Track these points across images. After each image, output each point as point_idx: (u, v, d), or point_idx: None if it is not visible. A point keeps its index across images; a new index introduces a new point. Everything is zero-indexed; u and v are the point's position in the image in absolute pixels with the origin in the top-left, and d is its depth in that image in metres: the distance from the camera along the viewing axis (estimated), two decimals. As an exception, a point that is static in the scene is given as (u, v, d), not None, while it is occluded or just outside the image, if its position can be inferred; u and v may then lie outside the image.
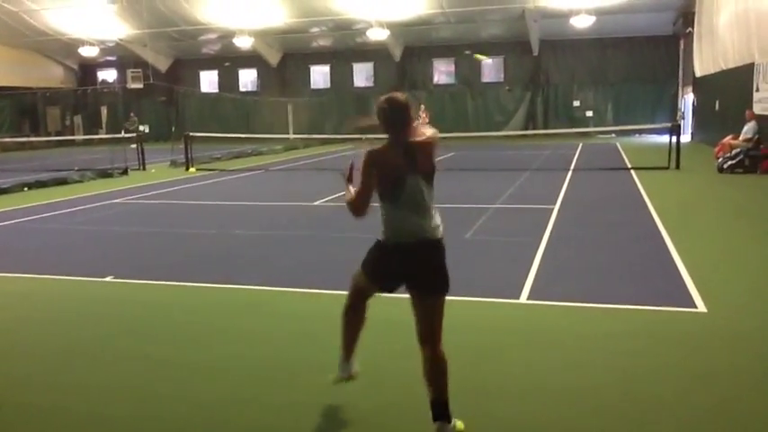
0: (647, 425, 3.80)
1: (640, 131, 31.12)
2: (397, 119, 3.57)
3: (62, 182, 17.04)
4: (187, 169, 19.80)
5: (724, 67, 21.52)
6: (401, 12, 30.09)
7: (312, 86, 38.58)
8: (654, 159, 17.82)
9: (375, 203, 3.77)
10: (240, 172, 17.96)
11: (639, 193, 12.79)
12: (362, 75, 38.12)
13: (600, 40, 32.86)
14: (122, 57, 38.18)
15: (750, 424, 3.80)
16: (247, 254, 8.52)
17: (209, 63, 39.82)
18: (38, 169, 20.43)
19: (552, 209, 11.10)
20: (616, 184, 14.31)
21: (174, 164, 21.23)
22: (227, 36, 34.10)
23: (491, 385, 4.38)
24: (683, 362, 4.67)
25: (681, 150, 16.72)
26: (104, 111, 38.06)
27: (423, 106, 32.18)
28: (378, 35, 32.12)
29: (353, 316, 3.99)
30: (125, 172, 19.04)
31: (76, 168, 20.03)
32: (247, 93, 38.29)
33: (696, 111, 27.54)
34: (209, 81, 40.48)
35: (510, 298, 6.19)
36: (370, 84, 37.86)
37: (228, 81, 39.64)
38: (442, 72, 37.03)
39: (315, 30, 34.29)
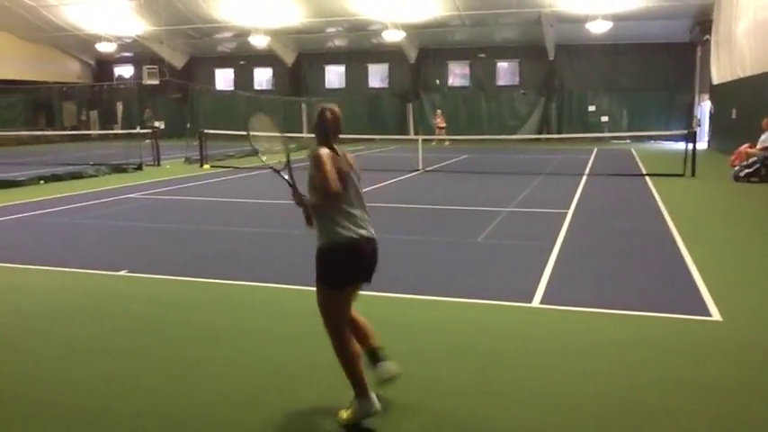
0: (660, 432, 3.78)
1: (656, 138, 30.95)
2: (335, 128, 4.11)
3: (77, 176, 17.16)
4: (201, 166, 19.89)
5: (741, 75, 21.37)
6: (417, 14, 30.08)
7: (327, 86, 38.63)
8: (669, 166, 17.72)
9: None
10: (253, 169, 18.02)
11: (654, 199, 12.72)
12: (377, 76, 38.13)
13: (615, 46, 32.70)
14: (139, 53, 38.38)
15: (764, 434, 3.77)
16: (259, 251, 8.55)
17: (224, 61, 39.96)
18: (53, 163, 20.57)
19: (566, 213, 11.06)
20: (630, 190, 14.24)
21: (188, 160, 21.33)
22: (242, 35, 34.21)
23: (500, 389, 4.36)
24: (695, 370, 4.64)
25: (697, 158, 16.62)
26: (120, 106, 38.25)
27: (439, 111, 32.16)
28: (393, 36, 32.13)
29: (350, 351, 3.90)
30: (140, 167, 19.15)
31: (92, 163, 20.16)
32: (262, 91, 38.39)
33: (713, 118, 27.35)
34: (224, 79, 40.62)
35: (522, 302, 6.16)
36: (385, 85, 37.87)
37: (243, 79, 39.76)
38: (457, 74, 36.98)
39: (330, 30, 34.34)
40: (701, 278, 6.94)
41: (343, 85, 38.41)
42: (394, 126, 35.60)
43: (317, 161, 3.91)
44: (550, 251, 8.21)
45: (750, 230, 9.91)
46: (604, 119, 33.40)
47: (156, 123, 28.35)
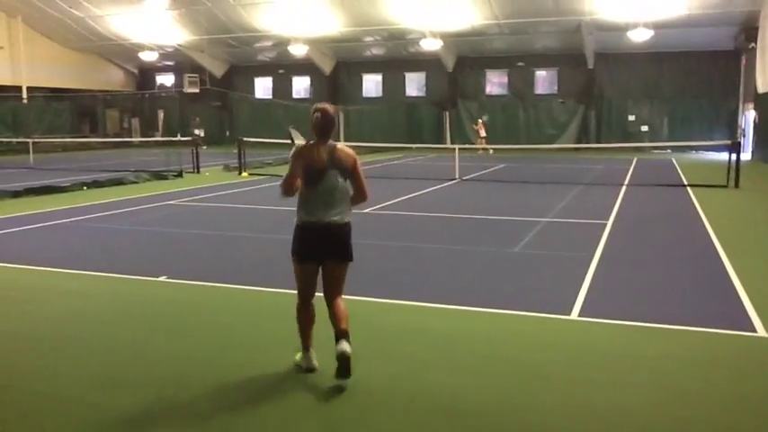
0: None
1: (697, 148, 30.37)
2: (326, 125, 4.56)
3: (119, 182, 17.50)
4: (240, 173, 20.12)
5: (788, 84, 20.87)
6: (455, 22, 30.06)
7: (364, 95, 38.81)
8: (712, 177, 17.37)
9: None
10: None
11: (696, 210, 12.48)
12: (414, 84, 38.18)
13: (657, 54, 32.21)
14: (180, 62, 39.06)
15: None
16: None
17: (263, 70, 40.42)
18: (96, 169, 21.03)
19: (605, 224, 10.91)
20: (672, 200, 13.99)
21: (227, 168, 21.60)
22: (281, 43, 34.58)
23: (537, 401, 4.31)
24: (738, 386, 4.53)
25: (740, 168, 16.26)
26: (161, 114, 38.95)
27: (480, 121, 32.01)
28: (431, 45, 32.15)
29: (304, 313, 4.71)
30: (180, 174, 19.45)
31: (133, 170, 20.55)
32: (300, 100, 38.73)
33: (757, 128, 26.74)
34: (263, 87, 41.08)
35: (561, 314, 6.09)
36: (422, 93, 37.89)
37: (282, 88, 40.16)
38: (495, 83, 36.83)
39: (368, 39, 34.51)
40: (744, 292, 6.77)
41: (381, 94, 38.53)
42: (431, 135, 35.59)
43: (292, 158, 4.57)
44: (589, 262, 8.11)
45: (797, 244, 9.65)
46: (644, 128, 32.89)
47: (197, 131, 28.76)
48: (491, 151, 29.77)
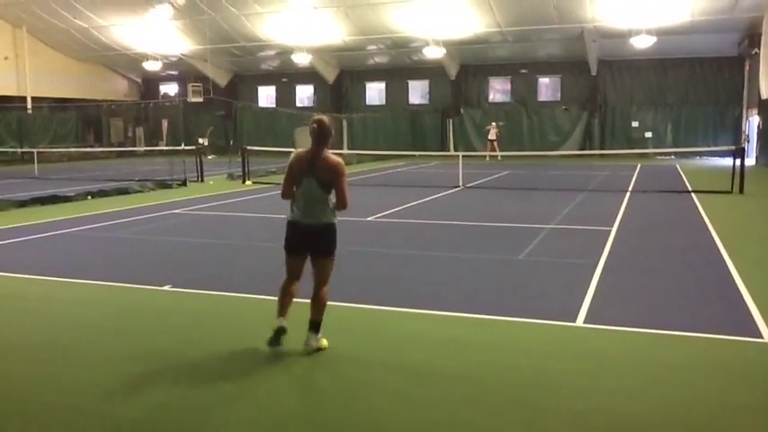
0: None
1: (702, 154, 30.33)
2: (322, 135, 5.13)
3: (123, 191, 17.54)
4: (244, 182, 20.15)
5: (791, 90, 20.83)
6: (458, 30, 30.13)
7: (367, 103, 38.88)
8: (716, 183, 17.34)
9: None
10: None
11: (701, 217, 12.45)
12: (418, 92, 38.25)
13: (660, 61, 32.25)
14: (184, 71, 39.20)
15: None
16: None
17: (267, 79, 40.55)
18: (101, 179, 21.09)
19: (609, 231, 10.89)
20: (676, 207, 13.96)
21: (231, 176, 21.64)
22: (285, 53, 34.69)
23: (544, 409, 4.29)
24: (744, 393, 4.50)
25: (745, 174, 16.23)
26: (165, 123, 39.07)
27: (494, 123, 31.96)
28: (434, 53, 32.21)
29: (285, 289, 5.37)
30: (184, 183, 19.49)
31: (137, 179, 20.61)
32: (304, 108, 38.82)
33: (761, 133, 26.69)
34: (266, 96, 41.20)
35: (566, 321, 6.07)
36: (425, 101, 37.96)
37: (286, 96, 40.27)
38: (498, 90, 36.88)
39: (372, 47, 34.61)
40: (750, 298, 6.75)
41: (384, 102, 38.61)
42: (434, 142, 35.65)
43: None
44: (594, 269, 8.09)
45: (802, 249, 9.61)
46: (648, 134, 32.89)
47: (200, 140, 28.84)
48: (499, 158, 29.78)
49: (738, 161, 16.27)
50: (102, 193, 16.91)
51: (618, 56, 32.35)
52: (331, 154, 5.23)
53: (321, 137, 5.12)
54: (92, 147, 35.26)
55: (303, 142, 5.41)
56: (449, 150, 34.04)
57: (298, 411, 4.33)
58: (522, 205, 14.81)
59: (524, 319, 6.17)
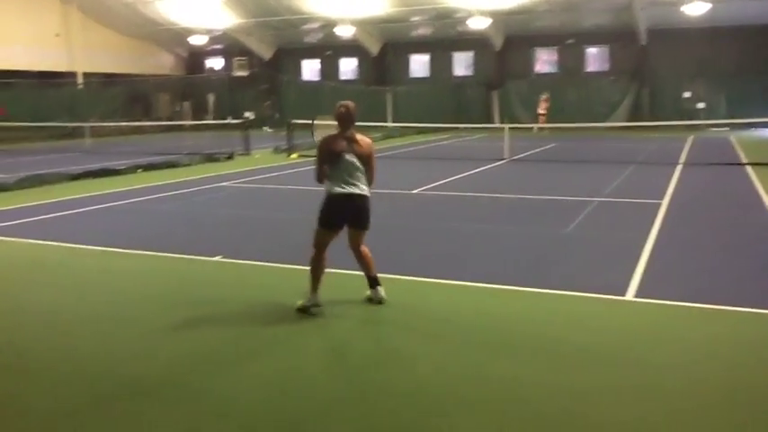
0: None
1: (757, 125, 29.35)
2: (349, 118, 5.65)
3: (172, 165, 17.83)
4: (289, 155, 20.29)
5: None
6: (503, 0, 29.59)
7: (411, 75, 38.60)
8: (771, 155, 16.79)
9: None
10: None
11: (756, 190, 12.09)
12: (462, 64, 37.79)
13: (714, 29, 31.14)
14: (229, 45, 39.44)
15: None
16: (345, 240, 8.64)
17: (310, 52, 40.53)
18: (150, 152, 21.47)
19: (660, 204, 10.66)
20: (730, 179, 13.58)
21: (276, 150, 21.81)
22: (329, 25, 34.61)
23: (592, 383, 4.27)
24: (805, 370, 4.40)
25: (802, 146, 15.66)
26: (211, 98, 39.46)
27: (546, 95, 31.42)
28: (479, 24, 31.74)
29: (318, 263, 5.67)
30: (231, 156, 19.73)
31: (185, 152, 20.91)
32: (347, 81, 38.75)
33: (820, 104, 25.70)
34: (310, 69, 41.21)
35: (615, 295, 6.00)
36: (470, 73, 37.50)
37: (329, 70, 40.22)
38: (544, 61, 36.21)
39: (415, 19, 34.26)
40: (808, 273, 6.56)
41: (428, 74, 38.26)
42: (479, 115, 35.19)
43: (317, 149, 5.79)
44: (644, 243, 7.95)
45: None
46: (700, 105, 31.89)
47: (246, 114, 29.05)
48: (534, 129, 29.31)
49: (796, 132, 15.69)
50: (152, 167, 17.22)
51: (669, 25, 31.37)
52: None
53: (351, 119, 5.66)
54: (140, 121, 35.86)
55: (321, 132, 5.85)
56: (493, 123, 33.64)
57: (340, 374, 4.40)
58: (568, 178, 14.60)
59: (571, 292, 6.11)
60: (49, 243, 8.60)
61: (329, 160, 5.61)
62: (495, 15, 31.47)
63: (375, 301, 5.80)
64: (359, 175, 5.65)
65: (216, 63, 43.44)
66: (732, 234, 8.57)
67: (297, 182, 14.60)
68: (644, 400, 4.01)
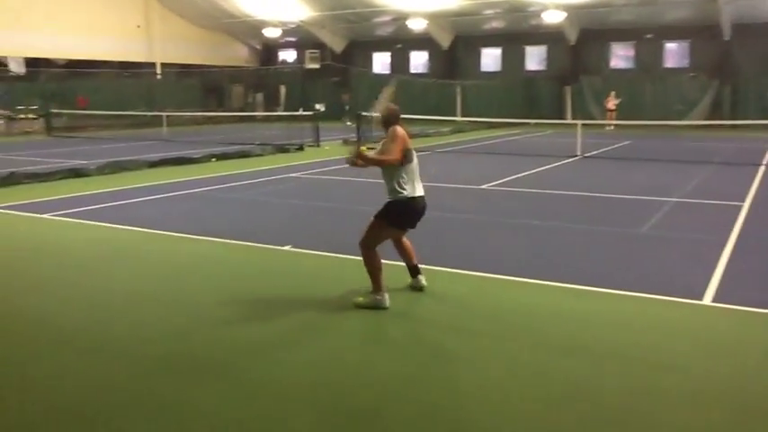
0: None
1: None
2: (397, 118, 5.74)
3: (245, 155, 18.20)
4: (358, 147, 20.36)
5: None
6: (580, -7, 28.95)
7: (482, 69, 38.19)
8: None
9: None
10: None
11: None
12: (534, 58, 37.13)
13: (804, 24, 29.67)
14: (301, 38, 39.92)
15: None
16: (413, 233, 8.64)
17: (381, 45, 40.61)
18: (223, 142, 21.97)
19: (741, 206, 10.23)
20: (817, 183, 12.92)
21: (345, 142, 21.96)
22: (400, 18, 34.59)
23: (666, 388, 4.14)
24: None
25: None
26: (283, 89, 40.06)
27: (613, 93, 30.72)
28: (553, 17, 31.13)
29: (377, 258, 5.65)
30: (301, 148, 19.99)
31: (257, 143, 21.30)
32: (418, 75, 38.66)
33: None
34: (381, 63, 41.29)
35: (692, 299, 5.80)
36: (542, 67, 36.82)
37: (400, 63, 40.19)
38: (620, 56, 35.21)
39: (488, 12, 33.87)
40: None
41: (499, 68, 37.77)
42: (550, 110, 34.52)
43: (393, 135, 5.65)
44: (723, 246, 7.65)
45: None
46: (787, 104, 30.44)
47: (317, 106, 29.38)
48: (610, 127, 28.61)
49: None
50: (225, 156, 17.62)
51: (755, 19, 29.98)
52: None
53: (398, 118, 5.77)
54: (214, 111, 36.74)
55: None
56: (566, 119, 32.96)
57: (386, 368, 4.41)
58: (644, 177, 14.18)
59: (645, 294, 5.94)
60: (125, 227, 8.91)
61: (406, 155, 5.62)
62: (570, 9, 30.82)
63: (416, 288, 5.95)
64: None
65: (288, 55, 44.05)
66: (819, 240, 8.16)
67: (366, 174, 14.62)
68: (718, 407, 3.87)
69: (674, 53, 33.95)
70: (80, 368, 4.51)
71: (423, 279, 5.99)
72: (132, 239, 8.39)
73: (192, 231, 8.58)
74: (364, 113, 21.56)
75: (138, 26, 35.48)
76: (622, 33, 34.01)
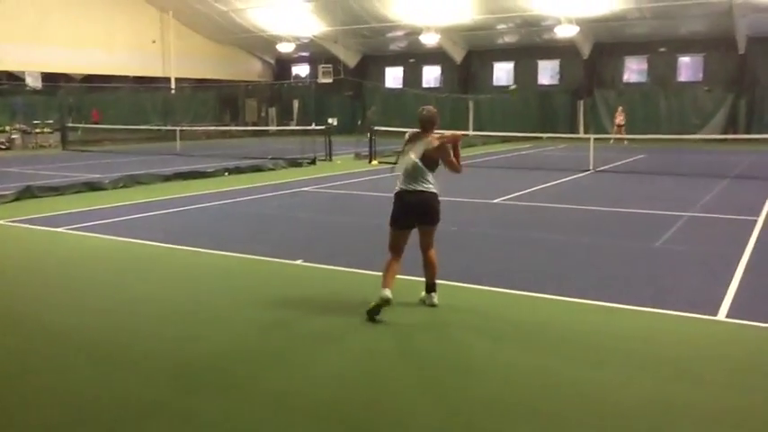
0: None
1: None
2: (426, 121, 6.03)
3: (257, 169, 18.28)
4: (370, 162, 20.45)
5: None
6: (593, 7, 28.94)
7: (495, 83, 38.20)
8: None
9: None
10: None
11: None
12: (547, 72, 37.12)
13: (820, 37, 29.48)
14: (315, 52, 40.15)
15: None
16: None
17: (394, 59, 40.76)
18: (237, 156, 22.08)
19: (755, 221, 10.14)
20: (834, 197, 12.78)
21: (358, 156, 22.02)
22: (414, 33, 34.73)
23: (681, 404, 4.09)
24: None
25: None
26: (296, 104, 40.26)
27: (621, 108, 30.71)
28: (566, 32, 31.13)
29: (390, 261, 5.87)
30: (313, 162, 20.05)
31: (270, 157, 21.40)
32: (430, 89, 38.73)
33: None
34: (393, 77, 41.43)
35: (706, 314, 5.74)
36: (555, 81, 36.81)
37: (413, 77, 40.33)
38: (634, 70, 35.14)
39: (501, 26, 33.95)
40: None
41: (512, 82, 37.77)
42: (564, 124, 34.46)
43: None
44: (738, 260, 7.57)
45: None
46: (802, 118, 30.21)
47: (330, 120, 29.51)
48: (625, 142, 28.52)
49: None
50: (238, 170, 17.70)
51: (770, 32, 29.87)
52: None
53: (430, 120, 6.04)
54: (228, 126, 36.96)
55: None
56: (579, 133, 32.86)
57: (421, 382, 4.39)
58: (658, 191, 14.10)
59: (659, 309, 5.88)
60: (140, 241, 8.95)
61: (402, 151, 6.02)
62: (583, 23, 30.82)
63: (427, 304, 5.98)
64: (423, 175, 5.91)
65: (302, 70, 44.32)
66: (836, 255, 8.05)
67: (376, 188, 14.67)
68: (738, 424, 3.81)
69: (687, 67, 33.85)
70: (95, 378, 4.53)
71: (435, 297, 5.98)
72: (146, 253, 8.43)
73: (205, 245, 8.60)
74: (377, 128, 21.63)
75: (154, 41, 35.87)
76: (636, 47, 33.96)
